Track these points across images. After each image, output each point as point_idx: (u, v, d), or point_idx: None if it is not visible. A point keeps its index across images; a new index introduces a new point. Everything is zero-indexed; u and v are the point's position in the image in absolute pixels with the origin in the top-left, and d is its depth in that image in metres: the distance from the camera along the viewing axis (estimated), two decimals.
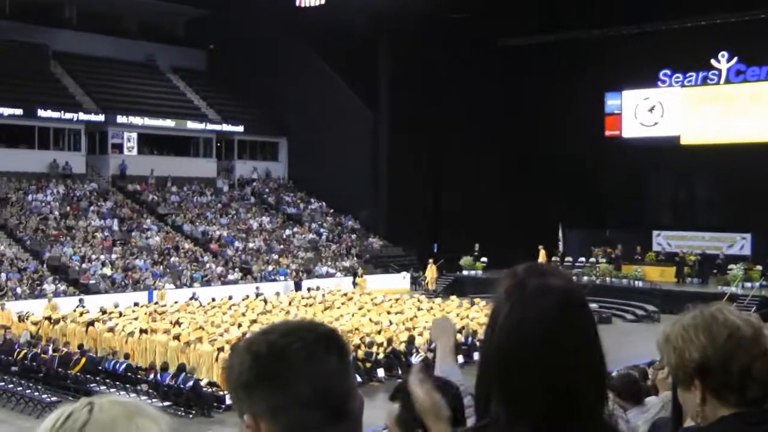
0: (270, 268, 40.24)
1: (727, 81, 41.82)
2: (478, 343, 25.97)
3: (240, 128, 50.77)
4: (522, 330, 1.65)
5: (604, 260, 40.48)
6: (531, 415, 1.62)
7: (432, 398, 2.00)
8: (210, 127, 49.76)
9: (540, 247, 40.53)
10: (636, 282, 38.15)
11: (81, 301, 31.22)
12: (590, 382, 1.68)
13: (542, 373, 1.63)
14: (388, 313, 30.27)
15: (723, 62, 41.71)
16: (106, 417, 1.15)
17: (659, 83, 43.97)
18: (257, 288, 36.28)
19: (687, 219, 43.45)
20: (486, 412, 1.68)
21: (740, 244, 40.58)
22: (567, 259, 41.90)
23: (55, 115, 43.82)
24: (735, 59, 41.40)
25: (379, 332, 26.26)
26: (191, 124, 48.85)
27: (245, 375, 1.57)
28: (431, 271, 40.69)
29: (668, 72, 43.36)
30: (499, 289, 1.75)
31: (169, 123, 47.93)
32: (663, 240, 42.95)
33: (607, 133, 45.67)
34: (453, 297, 34.70)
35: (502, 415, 1.64)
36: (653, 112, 44.41)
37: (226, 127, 50.31)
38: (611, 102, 45.69)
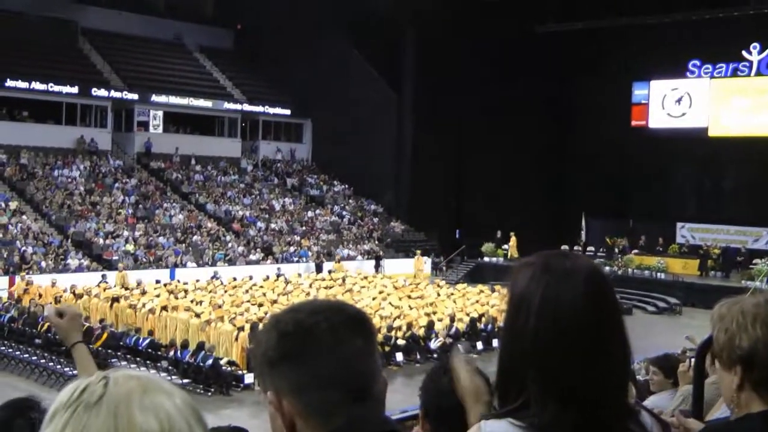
0: (292, 249, 40.37)
1: (758, 73, 41.23)
2: (497, 330, 25.99)
3: (265, 108, 50.89)
4: (560, 311, 1.64)
5: (603, 251, 40.41)
6: (567, 397, 1.61)
7: (474, 381, 2.00)
8: (235, 106, 49.90)
9: (512, 234, 40.70)
10: (658, 274, 37.93)
11: (104, 276, 31.55)
12: (622, 361, 1.69)
13: (582, 353, 1.62)
14: (409, 297, 30.29)
15: (754, 54, 41.15)
16: (121, 391, 1.15)
17: (688, 74, 43.48)
18: (278, 269, 36.46)
19: (712, 211, 43.01)
20: (514, 396, 1.66)
21: (766, 238, 40.18)
22: (589, 248, 41.72)
23: (83, 91, 44.09)
24: (767, 51, 40.84)
25: (398, 316, 26.28)
26: (217, 104, 49.01)
27: (270, 352, 1.57)
28: (418, 262, 40.44)
29: (697, 63, 42.86)
30: (521, 274, 1.72)
31: (195, 102, 48.12)
32: (687, 232, 42.64)
33: (634, 123, 45.25)
34: (460, 286, 34.66)
35: (538, 397, 1.62)
36: (681, 102, 43.96)
37: (251, 107, 50.42)
38: (638, 92, 45.23)
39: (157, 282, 30.97)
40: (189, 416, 1.17)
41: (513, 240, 41.04)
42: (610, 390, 1.65)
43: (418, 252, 41.15)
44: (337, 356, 1.55)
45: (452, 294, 31.79)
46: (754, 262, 36.72)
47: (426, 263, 41.46)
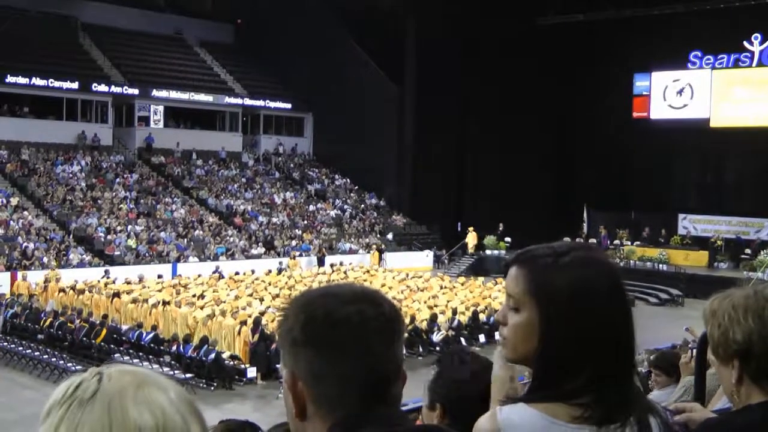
0: (293, 243, 40.39)
1: (760, 64, 41.10)
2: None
3: (266, 103, 50.87)
4: (591, 300, 1.69)
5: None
6: (611, 381, 1.68)
7: (504, 372, 2.02)
8: (236, 101, 49.89)
9: (470, 228, 40.96)
10: (660, 265, 37.90)
11: (107, 272, 31.52)
12: (631, 345, 1.75)
13: (622, 340, 1.71)
14: (411, 290, 30.26)
15: (756, 44, 41.02)
16: (115, 386, 1.14)
17: (689, 65, 43.36)
18: (280, 263, 36.46)
19: (714, 203, 42.97)
20: (555, 387, 1.70)
21: None
22: (591, 240, 41.70)
23: (83, 86, 44.08)
24: None
25: (400, 309, 26.20)
26: (218, 98, 49.00)
27: (295, 332, 1.55)
28: (374, 257, 40.32)
29: (699, 53, 42.73)
30: (549, 269, 1.74)
31: (196, 96, 48.12)
32: (689, 223, 42.59)
33: (635, 114, 45.15)
34: (444, 277, 34.62)
35: (588, 384, 1.67)
36: (682, 94, 43.87)
37: (252, 102, 50.40)
38: (640, 83, 45.11)
39: (159, 277, 31.01)
40: (184, 410, 1.17)
41: (472, 236, 41.38)
42: (631, 370, 1.74)
43: (374, 246, 41.20)
44: (360, 355, 1.52)
45: (454, 287, 31.81)
46: (750, 253, 36.72)
47: (383, 258, 40.89)
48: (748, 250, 37.83)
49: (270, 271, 33.70)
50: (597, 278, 1.71)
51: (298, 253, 39.23)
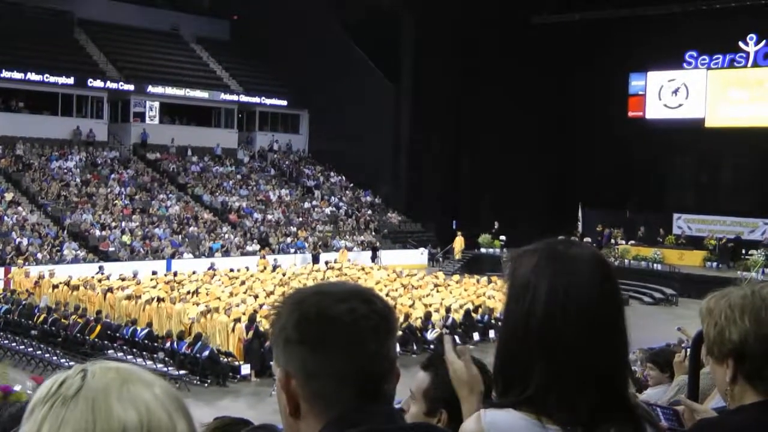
0: (288, 240, 40.35)
1: (755, 64, 41.15)
2: (494, 321, 25.99)
3: (262, 99, 50.81)
4: (573, 296, 1.64)
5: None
6: (583, 381, 1.61)
7: (470, 370, 1.98)
8: (232, 97, 49.82)
9: (458, 233, 41.01)
10: (655, 264, 37.94)
11: (101, 268, 31.44)
12: (623, 349, 1.70)
13: (597, 337, 1.63)
14: (405, 288, 30.25)
15: (751, 45, 41.08)
16: (99, 383, 1.13)
17: (685, 65, 43.36)
18: (275, 260, 36.40)
19: (709, 203, 43.01)
20: (518, 388, 1.65)
21: (762, 229, 40.16)
22: (586, 239, 41.69)
23: (79, 82, 43.98)
24: (763, 42, 40.75)
25: (395, 307, 26.15)
26: (213, 94, 48.92)
27: (288, 330, 1.54)
28: (342, 255, 40.22)
29: (694, 54, 42.74)
30: (522, 261, 1.71)
31: (192, 93, 48.05)
32: (684, 223, 42.61)
33: (630, 114, 45.17)
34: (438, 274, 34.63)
35: (553, 384, 1.62)
36: (677, 94, 43.90)
37: (247, 98, 50.33)
38: (635, 83, 45.12)
39: (154, 273, 30.95)
40: (169, 406, 1.15)
41: (459, 240, 41.42)
42: (619, 371, 1.68)
43: (344, 244, 41.19)
44: (353, 353, 1.52)
45: (449, 285, 31.79)
46: (749, 253, 36.74)
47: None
48: (743, 251, 37.87)
49: (265, 268, 33.67)
50: (565, 276, 1.65)
51: (292, 251, 39.22)
